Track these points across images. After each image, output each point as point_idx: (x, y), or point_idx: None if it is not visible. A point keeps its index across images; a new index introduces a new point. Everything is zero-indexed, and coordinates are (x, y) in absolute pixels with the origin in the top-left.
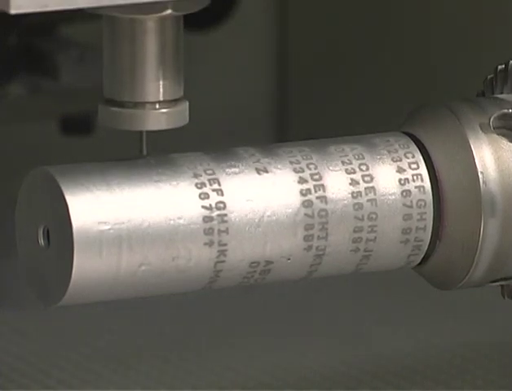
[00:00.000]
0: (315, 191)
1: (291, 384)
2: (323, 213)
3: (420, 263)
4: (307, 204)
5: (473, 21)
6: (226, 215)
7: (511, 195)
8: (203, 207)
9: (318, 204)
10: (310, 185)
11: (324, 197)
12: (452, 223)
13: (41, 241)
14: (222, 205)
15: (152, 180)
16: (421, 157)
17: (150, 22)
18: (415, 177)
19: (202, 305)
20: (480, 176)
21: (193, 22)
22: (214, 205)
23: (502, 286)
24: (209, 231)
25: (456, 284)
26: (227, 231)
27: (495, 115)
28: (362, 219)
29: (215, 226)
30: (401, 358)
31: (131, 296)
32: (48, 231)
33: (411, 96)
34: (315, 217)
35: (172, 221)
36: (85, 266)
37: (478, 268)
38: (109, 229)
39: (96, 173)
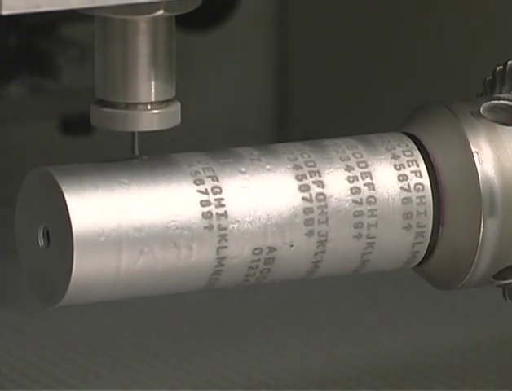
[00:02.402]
0: (311, 176)
1: (291, 384)
2: (321, 197)
3: (424, 259)
4: (304, 188)
5: (473, 21)
6: (223, 199)
7: (507, 173)
8: (199, 191)
9: (315, 189)
10: (305, 171)
11: (321, 181)
12: (452, 206)
13: (41, 241)
14: (218, 190)
15: (151, 178)
16: (414, 145)
17: (142, 23)
18: (410, 163)
19: (202, 305)
20: (475, 155)
21: (193, 22)
22: (209, 190)
23: (504, 288)
24: (207, 215)
25: (461, 279)
26: (225, 215)
27: (484, 105)
28: (361, 203)
29: (213, 210)
30: (401, 358)
31: (133, 294)
32: (48, 231)
33: (411, 96)
34: (313, 200)
35: (170, 212)
36: (85, 266)
37: (484, 253)
38: (109, 228)
39: (96, 173)
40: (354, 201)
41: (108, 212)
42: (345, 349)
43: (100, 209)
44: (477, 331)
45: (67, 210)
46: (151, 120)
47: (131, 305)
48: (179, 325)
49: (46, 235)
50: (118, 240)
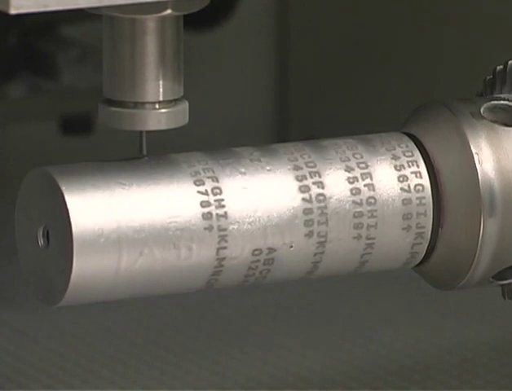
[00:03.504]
0: (311, 177)
1: (291, 384)
2: (321, 198)
3: (423, 259)
4: (304, 189)
5: (473, 21)
6: (223, 200)
7: (507, 174)
8: (199, 192)
9: (315, 189)
10: (305, 171)
11: (321, 182)
12: (452, 207)
13: (41, 241)
14: (218, 191)
15: (151, 179)
16: (414, 145)
17: (150, 22)
18: (410, 164)
19: (202, 306)
20: (475, 157)
21: (193, 22)
22: (210, 191)
23: (503, 287)
24: (207, 216)
25: (460, 280)
26: (225, 216)
27: (485, 105)
28: (361, 204)
29: (213, 211)
30: (401, 358)
31: (132, 294)
32: (48, 231)
33: (411, 96)
34: (313, 201)
35: (170, 213)
36: (84, 266)
37: (483, 254)
38: (109, 228)
39: (96, 173)
40: (354, 202)
41: (108, 212)
42: (345, 349)
43: (100, 209)
44: (477, 331)
45: (67, 210)
46: (159, 119)
47: (131, 305)
48: (179, 325)
49: (46, 235)
50: (118, 240)
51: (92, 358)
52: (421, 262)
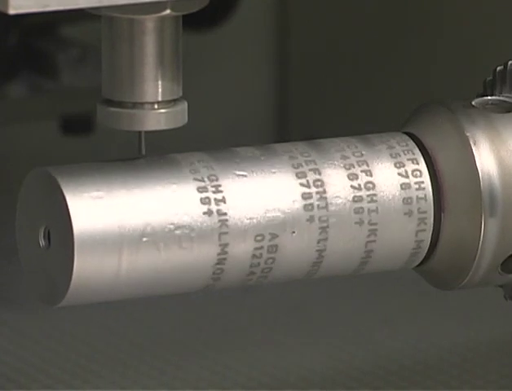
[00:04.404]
0: (307, 165)
1: (291, 384)
2: (318, 183)
3: (427, 255)
4: (301, 175)
5: (473, 21)
6: (220, 185)
7: (504, 156)
8: (195, 179)
9: (312, 176)
10: (301, 160)
11: (317, 169)
12: (452, 191)
13: (42, 242)
14: (214, 177)
15: (149, 176)
16: (408, 137)
17: (149, 22)
18: (406, 152)
19: (202, 305)
20: (470, 140)
21: (193, 22)
22: (206, 178)
23: (505, 289)
24: (205, 201)
25: (466, 274)
26: (224, 200)
27: (477, 100)
28: (359, 189)
29: (211, 196)
30: (401, 358)
31: (135, 293)
32: (49, 232)
33: (411, 96)
34: (311, 186)
35: (169, 202)
36: (85, 267)
37: (488, 239)
38: (109, 227)
39: (96, 174)
40: (352, 187)
41: (108, 210)
42: (345, 349)
43: (101, 209)
44: (477, 331)
45: (67, 210)
46: (158, 119)
47: (132, 304)
48: (179, 325)
49: (47, 236)
50: (119, 239)
51: (92, 358)
52: (423, 261)
